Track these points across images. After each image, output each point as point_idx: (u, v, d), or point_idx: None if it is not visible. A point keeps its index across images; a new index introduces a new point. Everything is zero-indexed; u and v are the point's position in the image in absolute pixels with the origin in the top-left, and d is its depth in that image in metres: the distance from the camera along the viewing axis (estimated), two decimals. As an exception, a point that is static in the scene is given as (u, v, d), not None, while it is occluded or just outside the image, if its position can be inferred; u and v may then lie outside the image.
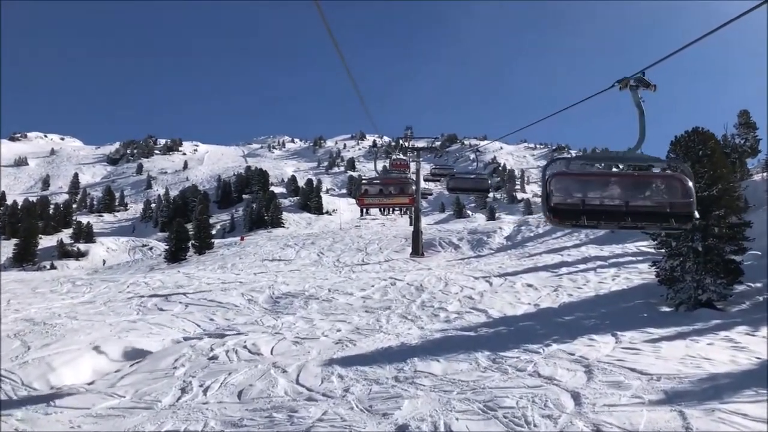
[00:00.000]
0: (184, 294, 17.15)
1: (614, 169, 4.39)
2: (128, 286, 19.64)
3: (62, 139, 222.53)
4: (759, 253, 14.90)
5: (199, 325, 12.99)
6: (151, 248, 63.78)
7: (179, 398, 7.72)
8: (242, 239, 49.48)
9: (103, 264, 55.48)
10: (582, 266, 19.11)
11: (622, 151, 4.25)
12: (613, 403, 6.73)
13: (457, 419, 6.42)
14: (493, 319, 12.38)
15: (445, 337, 10.79)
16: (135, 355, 10.28)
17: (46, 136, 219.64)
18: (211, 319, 13.63)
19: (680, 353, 8.88)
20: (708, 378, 7.57)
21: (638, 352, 9.02)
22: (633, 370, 8.01)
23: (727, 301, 12.45)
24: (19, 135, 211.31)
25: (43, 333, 11.34)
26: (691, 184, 4.31)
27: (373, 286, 17.43)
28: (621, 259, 19.63)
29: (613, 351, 9.19)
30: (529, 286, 16.24)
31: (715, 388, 7.14)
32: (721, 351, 8.99)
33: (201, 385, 8.18)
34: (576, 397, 7.01)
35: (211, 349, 10.15)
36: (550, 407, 6.66)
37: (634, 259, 19.38)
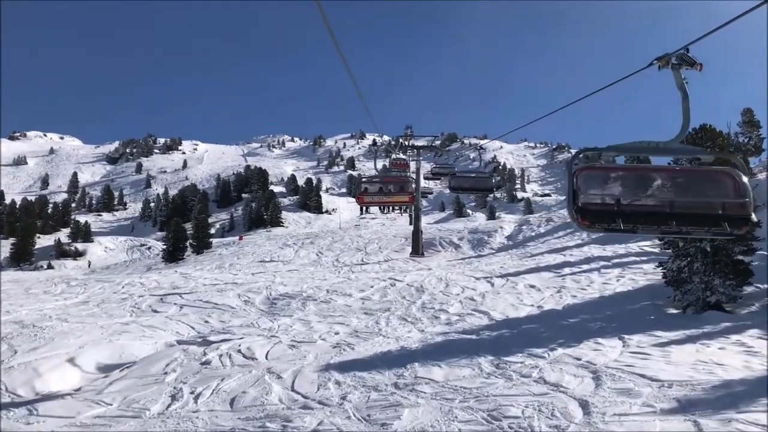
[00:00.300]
0: (180, 295, 16.82)
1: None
2: (123, 287, 19.30)
3: (61, 138, 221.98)
4: (765, 253, 14.57)
5: (193, 328, 12.66)
6: (149, 248, 63.45)
7: (169, 406, 7.39)
8: (241, 239, 49.18)
9: (89, 266, 54.98)
10: (585, 266, 18.79)
11: (662, 141, 3.67)
12: (623, 412, 6.41)
13: (459, 430, 6.10)
14: (496, 322, 12.05)
15: (446, 340, 10.45)
16: (125, 359, 9.94)
17: (45, 135, 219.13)
18: (206, 321, 13.31)
19: (691, 358, 8.55)
20: (722, 385, 7.24)
21: (647, 357, 8.69)
22: (643, 376, 7.69)
23: (735, 303, 12.12)
24: (18, 134, 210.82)
25: (31, 336, 11.01)
26: (745, 179, 3.65)
27: (372, 286, 17.09)
28: (624, 259, 19.30)
29: (620, 356, 8.86)
30: (532, 287, 15.91)
31: (730, 396, 6.82)
32: (733, 356, 8.66)
33: (192, 392, 7.85)
34: (584, 405, 6.69)
35: (204, 354, 9.81)
36: (557, 416, 6.34)
37: (637, 259, 19.05)
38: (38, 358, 9.44)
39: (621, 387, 7.28)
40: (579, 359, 8.67)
